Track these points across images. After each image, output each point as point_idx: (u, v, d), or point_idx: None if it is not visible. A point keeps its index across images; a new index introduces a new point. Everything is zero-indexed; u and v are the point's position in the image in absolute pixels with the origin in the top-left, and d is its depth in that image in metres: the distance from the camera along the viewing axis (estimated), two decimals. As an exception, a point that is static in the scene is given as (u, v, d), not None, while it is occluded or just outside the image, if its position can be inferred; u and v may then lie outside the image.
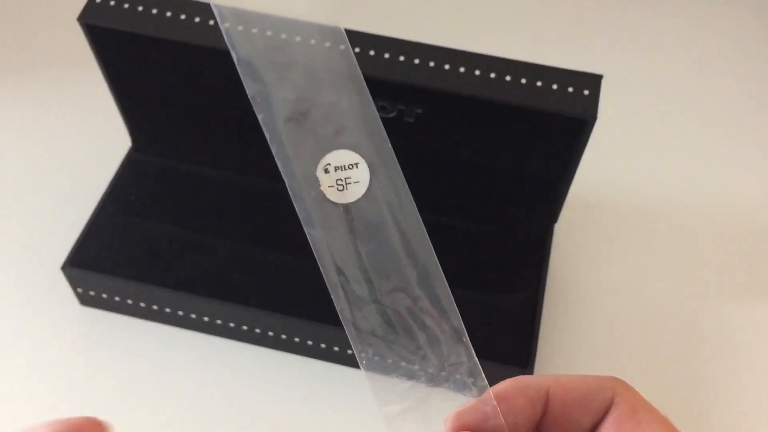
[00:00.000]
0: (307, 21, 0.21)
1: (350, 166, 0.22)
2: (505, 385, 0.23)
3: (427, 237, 0.22)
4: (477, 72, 0.40)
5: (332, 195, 0.22)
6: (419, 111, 0.44)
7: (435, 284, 0.22)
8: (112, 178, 0.50)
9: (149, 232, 0.48)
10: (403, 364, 0.23)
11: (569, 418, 0.22)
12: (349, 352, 0.45)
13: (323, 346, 0.45)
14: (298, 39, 0.22)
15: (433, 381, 0.23)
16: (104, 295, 0.47)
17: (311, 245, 0.22)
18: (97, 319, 0.48)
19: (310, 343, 0.46)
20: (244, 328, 0.46)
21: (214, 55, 0.40)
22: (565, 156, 0.43)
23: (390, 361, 0.23)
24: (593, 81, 0.40)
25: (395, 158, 0.22)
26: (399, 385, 0.23)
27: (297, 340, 0.46)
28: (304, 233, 0.23)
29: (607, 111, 0.42)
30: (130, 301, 0.47)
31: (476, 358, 0.23)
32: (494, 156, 0.47)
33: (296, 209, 0.22)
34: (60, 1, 0.66)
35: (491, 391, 0.22)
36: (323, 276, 0.23)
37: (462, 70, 0.41)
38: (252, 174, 0.51)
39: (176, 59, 0.46)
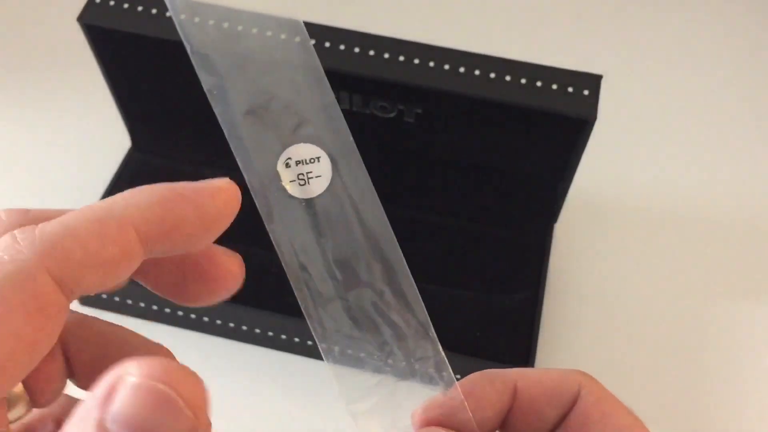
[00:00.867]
0: (264, 13, 0.21)
1: (311, 160, 0.21)
2: (472, 378, 0.22)
3: (392, 231, 0.21)
4: (477, 72, 0.40)
5: (294, 190, 0.21)
6: (419, 111, 0.43)
7: (400, 279, 0.22)
8: (111, 178, 0.50)
9: (149, 232, 0.48)
10: (371, 360, 0.23)
11: (536, 411, 0.22)
12: (349, 352, 0.45)
13: (323, 346, 0.45)
14: (254, 31, 0.21)
15: (401, 375, 0.23)
16: (104, 295, 0.47)
17: (273, 242, 0.22)
18: (97, 319, 0.48)
19: (309, 343, 0.45)
20: (244, 328, 0.46)
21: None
22: (565, 156, 0.43)
23: (357, 356, 0.23)
24: (593, 81, 0.40)
25: (357, 151, 0.21)
26: (366, 382, 0.23)
27: (297, 340, 0.46)
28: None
29: (607, 111, 0.42)
30: (130, 301, 0.47)
31: (443, 353, 0.22)
32: (494, 156, 0.47)
33: (257, 205, 0.22)
34: (60, 1, 0.66)
35: (458, 386, 0.22)
36: (286, 273, 0.22)
37: (462, 70, 0.41)
38: (252, 174, 0.51)
39: (176, 59, 0.45)
